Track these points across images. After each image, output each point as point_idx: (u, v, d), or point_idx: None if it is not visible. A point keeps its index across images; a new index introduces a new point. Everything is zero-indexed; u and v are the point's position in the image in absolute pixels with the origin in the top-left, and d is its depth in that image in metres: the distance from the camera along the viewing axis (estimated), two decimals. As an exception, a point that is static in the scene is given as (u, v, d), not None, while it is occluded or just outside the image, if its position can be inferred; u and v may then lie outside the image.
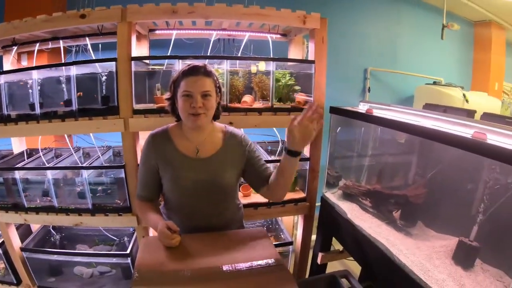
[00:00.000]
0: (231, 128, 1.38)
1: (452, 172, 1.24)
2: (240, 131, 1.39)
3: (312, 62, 1.68)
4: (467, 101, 3.23)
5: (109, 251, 1.95)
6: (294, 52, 2.00)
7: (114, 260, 1.80)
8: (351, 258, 1.63)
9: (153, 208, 1.30)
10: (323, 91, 1.73)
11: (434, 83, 3.51)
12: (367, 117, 1.52)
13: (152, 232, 1.78)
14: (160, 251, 1.12)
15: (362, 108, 1.71)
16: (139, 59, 1.51)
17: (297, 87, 1.74)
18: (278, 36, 1.89)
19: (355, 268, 2.45)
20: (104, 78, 1.52)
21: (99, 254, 1.85)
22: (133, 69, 1.46)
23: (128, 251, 1.75)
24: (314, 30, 1.68)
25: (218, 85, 1.27)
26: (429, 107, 1.77)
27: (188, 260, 1.08)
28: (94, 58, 1.72)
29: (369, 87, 3.34)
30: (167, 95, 1.31)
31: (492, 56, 4.07)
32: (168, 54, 1.72)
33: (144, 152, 1.30)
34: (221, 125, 1.38)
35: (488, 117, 1.64)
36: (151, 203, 1.33)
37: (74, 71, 1.54)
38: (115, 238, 2.02)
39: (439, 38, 3.43)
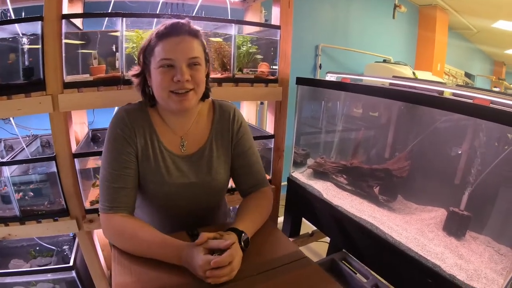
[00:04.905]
0: (219, 103, 1.07)
1: (433, 143, 1.19)
2: (230, 106, 1.08)
3: (278, 27, 1.49)
4: (416, 78, 3.32)
5: (49, 263, 1.62)
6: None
7: (56, 275, 1.49)
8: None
9: (150, 226, 0.89)
10: (288, 60, 1.55)
11: (384, 61, 3.57)
12: (345, 87, 1.38)
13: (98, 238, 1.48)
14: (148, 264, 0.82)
15: (330, 79, 1.60)
16: (71, 17, 1.17)
17: (259, 56, 1.55)
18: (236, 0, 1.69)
19: (319, 249, 2.41)
20: (26, 44, 1.17)
21: (38, 271, 1.50)
22: (63, 30, 1.13)
23: (71, 263, 1.46)
24: (280, -7, 1.49)
25: (206, 50, 0.95)
26: (397, 79, 1.71)
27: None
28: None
29: (320, 64, 3.31)
30: (134, 70, 0.96)
31: (436, 38, 4.27)
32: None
33: (116, 135, 0.91)
34: (208, 100, 1.05)
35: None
36: (136, 218, 0.93)
37: (-13, 35, 1.13)
38: (54, 247, 1.69)
39: (388, 19, 3.50)
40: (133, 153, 0.92)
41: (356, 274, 1.24)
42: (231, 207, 1.54)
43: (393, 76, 1.72)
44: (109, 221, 0.89)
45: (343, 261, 1.30)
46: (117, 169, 0.90)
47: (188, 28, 0.88)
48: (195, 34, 0.89)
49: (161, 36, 0.86)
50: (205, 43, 0.94)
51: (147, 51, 0.89)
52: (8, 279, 1.48)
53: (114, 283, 0.76)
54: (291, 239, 1.66)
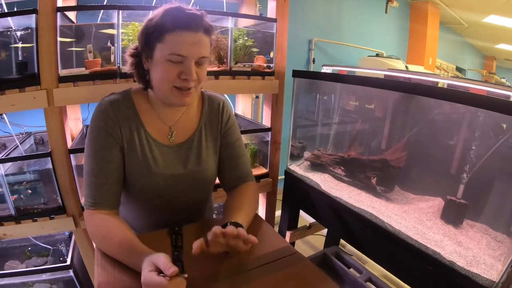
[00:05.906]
0: (208, 93, 1.06)
1: (429, 133, 1.20)
2: (219, 97, 1.07)
3: (274, 20, 1.49)
4: (411, 70, 3.34)
5: (45, 263, 1.58)
6: (245, 15, 1.79)
7: (53, 275, 1.46)
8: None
9: (124, 227, 0.83)
10: (284, 53, 1.56)
11: (377, 55, 3.60)
12: (343, 78, 1.38)
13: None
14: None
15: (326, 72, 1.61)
16: (66, 9, 1.15)
17: (255, 49, 1.55)
18: (231, -8, 1.68)
19: (316, 242, 2.43)
20: (19, 37, 1.15)
21: (34, 271, 1.47)
22: (58, 23, 1.11)
23: (68, 262, 1.43)
24: (276, -14, 1.49)
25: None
26: (392, 71, 1.72)
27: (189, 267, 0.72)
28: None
29: (313, 58, 3.33)
30: (132, 47, 0.91)
31: (428, 33, 4.31)
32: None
33: (98, 128, 0.88)
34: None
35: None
36: (116, 216, 0.88)
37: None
38: (49, 247, 1.66)
39: (380, 13, 3.52)
40: (116, 146, 0.89)
41: (349, 268, 1.24)
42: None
43: (388, 69, 1.73)
44: (90, 217, 0.86)
45: (335, 256, 1.29)
46: (100, 164, 0.87)
47: (206, 24, 0.84)
48: (209, 32, 0.86)
49: (177, 24, 0.80)
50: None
51: (154, 33, 0.82)
52: (3, 281, 1.44)
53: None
54: (289, 232, 1.68)
